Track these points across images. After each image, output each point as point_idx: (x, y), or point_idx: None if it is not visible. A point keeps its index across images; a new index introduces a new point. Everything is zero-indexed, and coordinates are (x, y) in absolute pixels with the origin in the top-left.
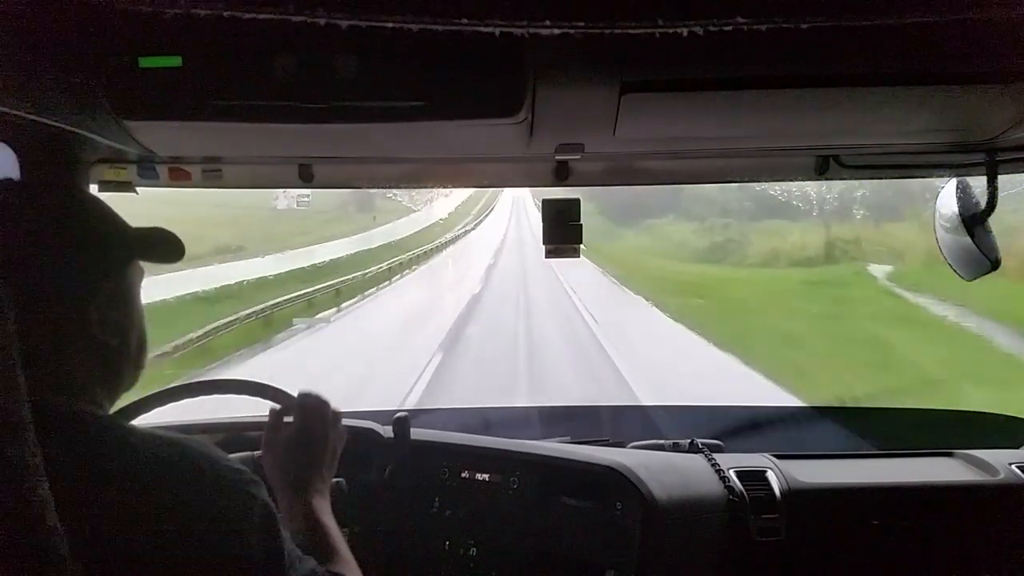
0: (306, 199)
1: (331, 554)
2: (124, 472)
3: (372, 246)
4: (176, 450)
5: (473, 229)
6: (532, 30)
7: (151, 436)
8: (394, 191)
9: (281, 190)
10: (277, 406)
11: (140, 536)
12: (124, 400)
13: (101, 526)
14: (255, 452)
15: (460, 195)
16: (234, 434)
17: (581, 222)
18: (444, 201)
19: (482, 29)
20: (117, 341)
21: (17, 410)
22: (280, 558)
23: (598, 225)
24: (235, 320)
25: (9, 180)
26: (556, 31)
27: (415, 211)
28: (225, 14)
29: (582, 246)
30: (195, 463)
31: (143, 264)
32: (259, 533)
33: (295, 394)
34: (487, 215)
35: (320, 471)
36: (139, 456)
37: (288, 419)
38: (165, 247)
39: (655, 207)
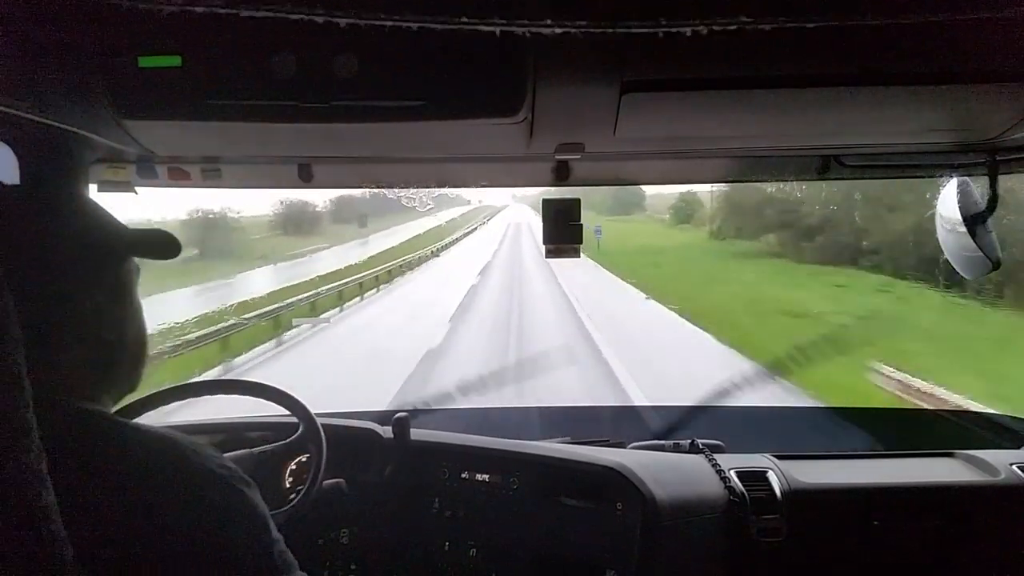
0: None
1: None
2: (117, 468)
3: None
4: (166, 445)
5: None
6: (533, 29)
7: (143, 431)
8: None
9: None
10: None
11: (130, 531)
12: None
13: (97, 522)
14: (254, 449)
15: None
16: (234, 434)
17: (581, 222)
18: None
19: (482, 28)
20: (115, 338)
21: (23, 415)
22: (269, 558)
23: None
24: None
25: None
26: (557, 30)
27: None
28: (224, 13)
29: None
30: (184, 457)
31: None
32: (247, 531)
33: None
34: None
35: None
36: (130, 451)
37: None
38: (162, 246)
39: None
